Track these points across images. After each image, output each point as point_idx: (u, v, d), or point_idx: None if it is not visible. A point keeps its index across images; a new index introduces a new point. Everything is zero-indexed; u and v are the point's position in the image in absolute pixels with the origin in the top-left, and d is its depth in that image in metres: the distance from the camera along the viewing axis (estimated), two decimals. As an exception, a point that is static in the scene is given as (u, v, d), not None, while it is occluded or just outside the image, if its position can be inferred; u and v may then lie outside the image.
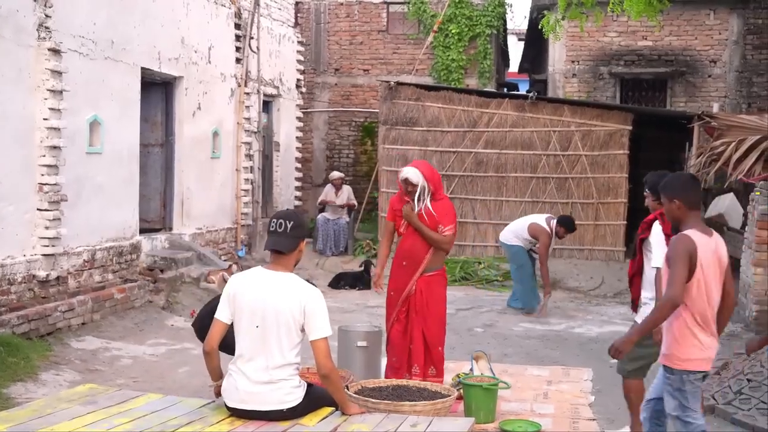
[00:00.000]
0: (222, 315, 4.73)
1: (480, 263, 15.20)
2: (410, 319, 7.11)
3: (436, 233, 7.08)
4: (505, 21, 20.58)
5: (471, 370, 7.21)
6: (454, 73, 19.47)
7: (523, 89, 24.30)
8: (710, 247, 4.76)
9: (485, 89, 18.38)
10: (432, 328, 7.10)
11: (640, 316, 6.03)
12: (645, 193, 6.32)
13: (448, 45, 19.49)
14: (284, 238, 4.75)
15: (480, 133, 15.95)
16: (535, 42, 21.15)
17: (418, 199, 7.08)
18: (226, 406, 4.67)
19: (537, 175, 15.82)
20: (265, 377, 4.58)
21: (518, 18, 59.72)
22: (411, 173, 7.08)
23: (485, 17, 19.47)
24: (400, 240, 7.29)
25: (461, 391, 6.52)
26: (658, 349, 5.16)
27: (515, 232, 12.13)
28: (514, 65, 28.41)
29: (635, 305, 6.39)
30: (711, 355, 4.82)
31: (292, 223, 4.78)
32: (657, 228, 5.91)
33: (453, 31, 19.39)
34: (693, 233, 4.71)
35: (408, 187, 7.08)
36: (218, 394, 4.85)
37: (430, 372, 7.03)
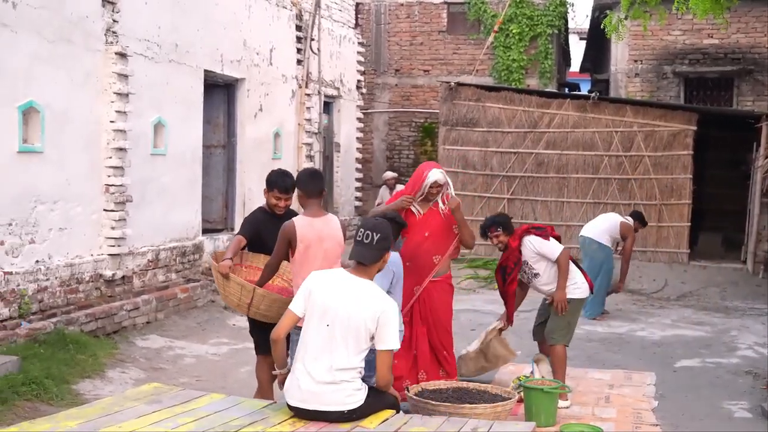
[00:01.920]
0: (296, 307, 4.79)
1: (541, 264, 15.05)
2: (414, 326, 7.04)
3: (471, 230, 7.32)
4: (566, 20, 20.41)
5: (532, 373, 7.17)
6: (515, 73, 19.36)
7: (584, 89, 24.06)
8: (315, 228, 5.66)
9: (546, 89, 18.25)
10: (437, 335, 7.07)
11: None
12: None
13: (508, 45, 19.40)
14: (369, 250, 4.81)
15: (541, 134, 15.83)
16: (597, 41, 20.93)
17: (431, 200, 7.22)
18: (287, 405, 4.71)
19: (599, 176, 15.64)
20: (328, 377, 4.61)
21: (580, 17, 59.12)
22: (440, 175, 7.16)
23: (546, 17, 19.32)
24: (404, 241, 7.05)
25: (522, 394, 6.49)
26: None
27: (609, 231, 11.88)
28: (575, 65, 28.15)
29: None
30: None
31: (379, 235, 4.83)
32: None
33: (514, 31, 19.29)
34: (297, 219, 5.76)
35: (434, 189, 7.14)
36: (282, 382, 4.90)
37: (441, 374, 6.99)
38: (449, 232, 7.19)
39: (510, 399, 5.71)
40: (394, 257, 6.17)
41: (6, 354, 7.27)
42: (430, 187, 7.09)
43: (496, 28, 19.18)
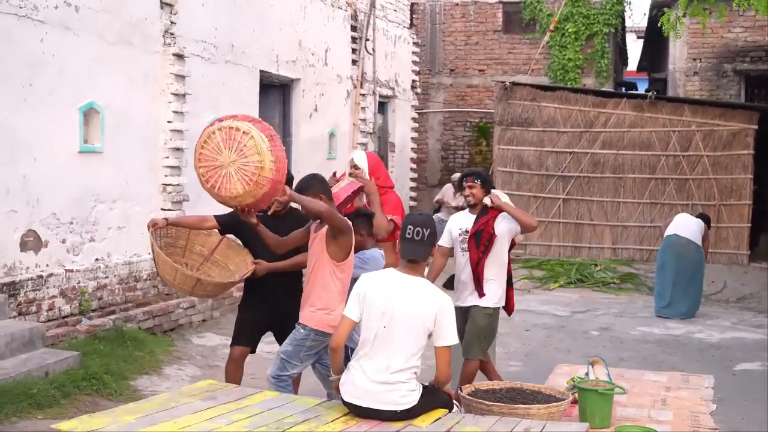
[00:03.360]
0: (351, 313, 4.79)
1: (596, 265, 14.94)
2: None
3: (384, 217, 7.01)
4: (623, 19, 20.19)
5: (587, 374, 7.10)
6: (571, 72, 19.21)
7: (641, 88, 23.77)
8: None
9: (602, 89, 18.07)
10: None
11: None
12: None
13: (564, 44, 19.24)
14: (421, 247, 4.80)
15: (597, 134, 15.69)
16: (655, 40, 20.65)
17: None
18: (342, 400, 4.73)
19: (656, 176, 15.46)
20: (384, 377, 4.62)
21: (637, 15, 58.29)
22: (357, 155, 7.27)
23: (603, 15, 19.13)
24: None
25: (576, 395, 6.44)
26: None
27: (699, 232, 11.90)
28: (632, 64, 27.81)
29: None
30: None
31: (428, 231, 4.81)
32: None
33: (570, 30, 19.13)
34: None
35: (351, 170, 7.19)
36: (338, 388, 4.93)
37: None
38: None
39: (564, 400, 5.67)
40: (375, 254, 6.18)
41: (67, 349, 7.43)
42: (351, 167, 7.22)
43: (551, 27, 19.04)
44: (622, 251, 15.66)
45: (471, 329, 6.69)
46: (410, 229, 4.79)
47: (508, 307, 7.08)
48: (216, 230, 6.34)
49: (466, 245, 6.80)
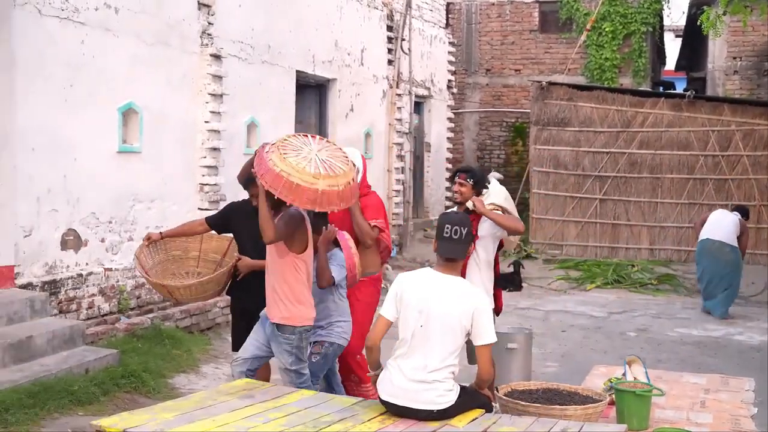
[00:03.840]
0: (387, 312, 4.79)
1: (633, 266, 14.83)
2: None
3: (365, 221, 6.45)
4: (661, 17, 20.02)
5: (624, 374, 7.05)
6: (608, 72, 19.08)
7: (679, 88, 23.53)
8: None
9: (640, 88, 17.94)
10: (352, 339, 6.36)
11: None
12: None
13: (601, 43, 19.12)
14: (460, 246, 4.79)
15: (634, 134, 15.57)
16: (694, 38, 20.46)
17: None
18: (379, 398, 4.74)
19: (694, 177, 15.31)
20: (421, 376, 4.62)
21: (675, 14, 57.75)
22: (349, 152, 6.72)
23: (640, 14, 18.99)
24: None
25: (613, 396, 6.39)
26: None
27: (734, 231, 11.81)
28: (670, 63, 27.55)
29: None
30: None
31: (466, 229, 4.80)
32: None
33: (607, 30, 19.01)
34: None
35: None
36: (375, 384, 4.94)
37: (353, 378, 6.57)
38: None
39: (601, 401, 5.63)
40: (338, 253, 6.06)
41: (107, 347, 7.51)
42: None
43: (588, 26, 18.93)
44: (660, 252, 15.53)
45: None
46: (448, 228, 4.77)
47: (497, 307, 6.96)
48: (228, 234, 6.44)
49: None
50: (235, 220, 6.31)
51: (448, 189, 17.94)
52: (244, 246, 6.18)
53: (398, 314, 4.74)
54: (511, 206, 6.84)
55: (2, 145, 7.34)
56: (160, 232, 6.38)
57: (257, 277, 5.83)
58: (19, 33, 7.42)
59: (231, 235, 6.44)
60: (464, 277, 6.27)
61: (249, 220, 5.84)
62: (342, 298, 6.08)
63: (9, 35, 7.34)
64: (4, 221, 7.41)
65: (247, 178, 5.75)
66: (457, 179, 6.52)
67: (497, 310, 7.01)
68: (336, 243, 6.03)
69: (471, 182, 6.48)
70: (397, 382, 4.64)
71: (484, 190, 6.55)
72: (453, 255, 4.79)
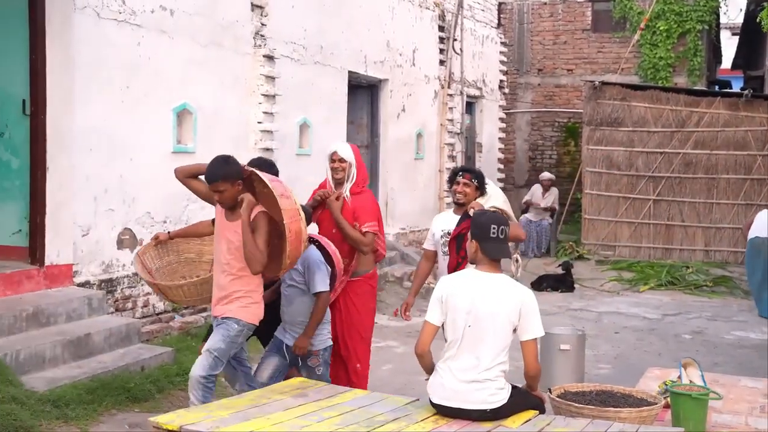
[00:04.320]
0: (433, 318, 4.77)
1: (688, 267, 14.62)
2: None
3: (355, 230, 6.13)
4: (717, 15, 19.73)
5: (679, 377, 6.96)
6: (662, 71, 18.86)
7: (736, 87, 23.17)
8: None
9: (695, 87, 17.68)
10: (349, 343, 6.20)
11: None
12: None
13: (655, 42, 18.90)
14: (505, 245, 4.82)
15: (689, 133, 15.36)
16: (751, 36, 20.15)
17: (341, 185, 6.24)
18: (431, 402, 4.74)
19: (751, 177, 15.05)
20: (472, 377, 4.61)
21: (733, 11, 56.81)
22: (340, 147, 6.32)
23: (696, 12, 18.72)
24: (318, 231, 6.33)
25: (668, 399, 6.32)
26: None
27: None
28: (726, 62, 27.14)
29: None
30: None
31: (507, 228, 4.83)
32: None
33: (661, 28, 18.78)
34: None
35: (335, 163, 6.23)
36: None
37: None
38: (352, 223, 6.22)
39: (656, 404, 5.57)
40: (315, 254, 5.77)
41: (162, 345, 7.61)
42: (331, 161, 6.23)
43: (642, 25, 18.72)
44: (715, 253, 15.29)
45: None
46: (494, 228, 4.75)
47: None
48: None
49: (446, 248, 6.35)
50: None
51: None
52: None
53: (444, 318, 4.74)
54: (509, 210, 6.64)
55: (62, 145, 7.47)
56: (169, 232, 6.13)
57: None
58: (78, 36, 7.55)
59: None
60: None
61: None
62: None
63: (69, 39, 7.47)
64: (64, 221, 7.55)
65: (229, 176, 5.23)
66: (460, 179, 6.30)
67: None
68: (311, 240, 5.77)
69: (475, 183, 6.30)
70: (448, 384, 4.64)
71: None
72: (502, 255, 4.81)
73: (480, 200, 6.27)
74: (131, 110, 8.16)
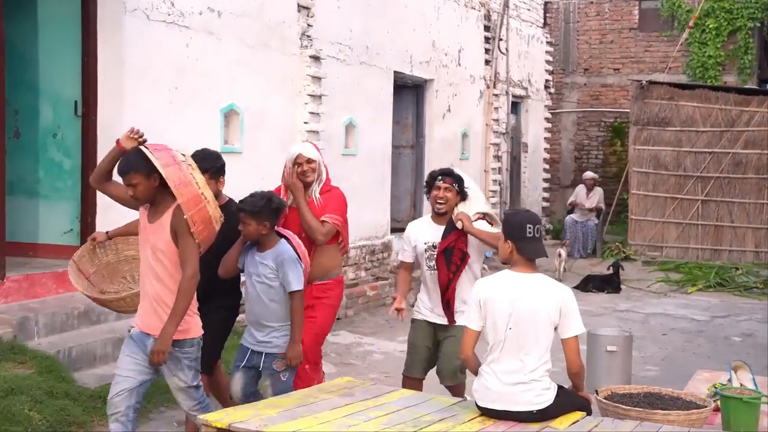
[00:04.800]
0: (473, 323, 4.76)
1: (737, 269, 14.43)
2: None
3: (314, 218, 5.75)
4: (769, 12, 19.44)
5: (729, 380, 6.87)
6: (711, 70, 18.63)
7: (787, 85, 22.82)
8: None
9: (745, 86, 17.44)
10: (305, 339, 5.54)
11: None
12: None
13: (704, 41, 18.67)
14: (541, 244, 4.79)
15: (739, 133, 15.15)
16: (804, 34, 19.80)
17: (309, 188, 5.85)
18: (477, 405, 4.73)
19: (804, 177, 14.83)
20: (517, 378, 4.60)
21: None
22: (306, 148, 5.92)
23: (747, 9, 18.46)
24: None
25: (718, 402, 6.24)
26: None
27: None
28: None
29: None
30: None
31: (542, 227, 4.84)
32: None
33: (710, 26, 18.55)
34: None
35: (303, 166, 5.80)
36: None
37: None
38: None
39: (705, 407, 5.51)
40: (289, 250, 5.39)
41: (208, 344, 7.67)
42: (297, 164, 5.81)
43: (691, 23, 18.51)
44: (766, 255, 15.08)
45: (451, 350, 5.82)
46: (530, 228, 4.70)
47: None
48: None
49: (433, 263, 5.90)
50: None
51: (545, 190, 17.78)
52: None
53: (483, 322, 4.71)
54: (492, 211, 6.24)
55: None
56: (107, 232, 5.68)
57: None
58: (128, 38, 7.66)
59: None
60: (455, 293, 5.90)
61: None
62: None
63: (120, 40, 7.58)
64: (115, 220, 7.56)
65: (140, 167, 4.71)
66: (440, 183, 5.84)
67: None
68: (280, 234, 5.47)
69: (456, 187, 5.86)
70: (493, 387, 4.63)
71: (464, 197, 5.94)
72: (541, 254, 4.77)
73: (462, 206, 5.89)
74: (179, 111, 8.25)
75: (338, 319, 9.76)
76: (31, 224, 7.91)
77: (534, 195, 17.30)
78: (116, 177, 4.91)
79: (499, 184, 15.03)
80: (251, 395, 5.43)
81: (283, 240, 5.40)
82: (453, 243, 5.78)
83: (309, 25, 9.96)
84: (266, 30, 9.33)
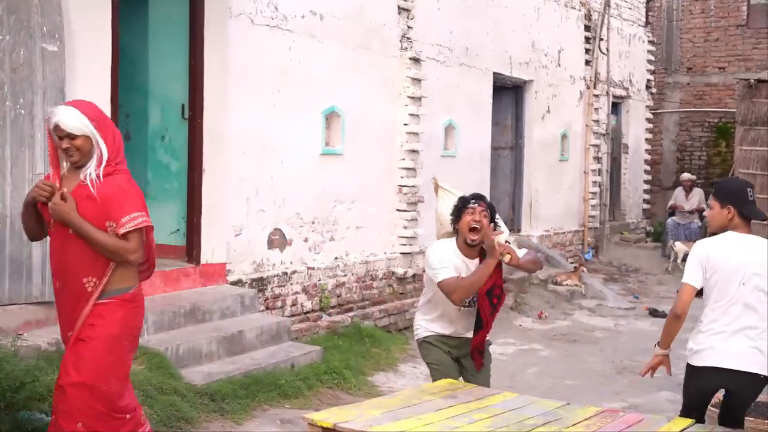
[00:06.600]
0: (694, 280, 4.77)
1: None
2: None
3: (107, 235, 4.07)
4: None
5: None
6: (823, 67, 17.96)
7: None
8: None
9: None
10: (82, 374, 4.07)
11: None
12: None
13: (815, 37, 18.02)
14: (756, 207, 4.93)
15: None
16: None
17: (84, 167, 4.12)
18: (694, 367, 4.72)
19: None
20: (746, 340, 4.64)
21: None
22: (64, 115, 4.04)
23: None
24: (49, 242, 4.29)
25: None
26: None
27: None
28: None
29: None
30: None
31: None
32: None
33: (824, 21, 17.90)
34: None
35: (63, 141, 4.06)
36: (656, 366, 4.92)
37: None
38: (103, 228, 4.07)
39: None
40: None
41: (310, 344, 7.78)
42: (58, 139, 4.08)
43: (803, 19, 17.89)
44: None
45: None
46: (750, 191, 4.92)
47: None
48: None
49: (474, 298, 5.19)
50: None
51: (645, 191, 17.41)
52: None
53: (704, 281, 4.74)
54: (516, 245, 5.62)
55: (218, 148, 7.73)
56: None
57: None
58: (233, 42, 7.80)
59: None
60: (483, 341, 5.35)
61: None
62: None
63: (225, 44, 7.73)
64: (219, 221, 7.81)
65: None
66: (477, 208, 5.19)
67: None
68: None
69: (488, 214, 5.22)
70: (733, 348, 4.63)
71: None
72: (759, 216, 4.97)
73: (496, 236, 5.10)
74: (282, 113, 8.37)
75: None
76: (139, 224, 8.12)
77: (634, 197, 16.97)
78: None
79: (599, 186, 14.79)
80: None
81: None
82: (494, 281, 5.17)
83: (409, 27, 9.98)
84: (367, 32, 9.38)
